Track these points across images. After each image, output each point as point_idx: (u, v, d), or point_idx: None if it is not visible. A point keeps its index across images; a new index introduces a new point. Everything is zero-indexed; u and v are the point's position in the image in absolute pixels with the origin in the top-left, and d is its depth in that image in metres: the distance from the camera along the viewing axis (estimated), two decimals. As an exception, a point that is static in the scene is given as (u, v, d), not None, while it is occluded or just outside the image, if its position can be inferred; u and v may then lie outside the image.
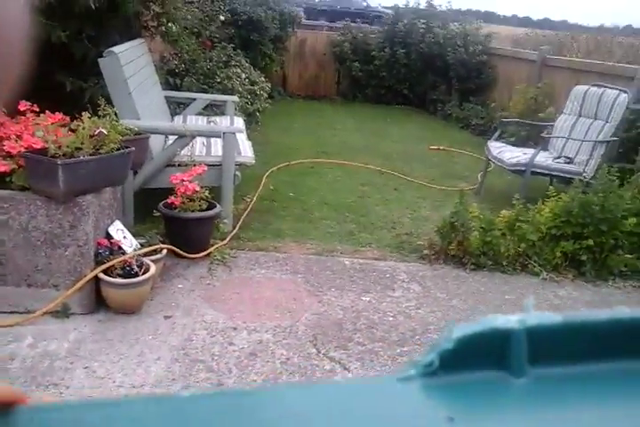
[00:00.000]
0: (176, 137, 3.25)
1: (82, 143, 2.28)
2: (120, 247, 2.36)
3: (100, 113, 2.57)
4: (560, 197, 3.29)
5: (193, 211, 2.86)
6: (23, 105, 2.48)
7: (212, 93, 5.15)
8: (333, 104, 8.56)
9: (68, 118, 2.50)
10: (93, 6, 3.27)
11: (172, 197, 2.86)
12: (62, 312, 2.20)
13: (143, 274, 2.30)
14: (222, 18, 6.45)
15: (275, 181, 4.38)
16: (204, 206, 2.91)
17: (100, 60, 3.08)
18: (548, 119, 5.11)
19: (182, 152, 3.20)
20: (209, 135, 3.67)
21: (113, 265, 2.25)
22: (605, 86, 4.42)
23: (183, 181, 2.87)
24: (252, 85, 6.01)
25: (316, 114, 7.62)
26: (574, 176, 3.80)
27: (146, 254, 2.45)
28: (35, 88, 2.90)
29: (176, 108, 4.64)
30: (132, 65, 3.37)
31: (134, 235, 2.55)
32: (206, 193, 2.92)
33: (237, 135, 3.43)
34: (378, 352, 2.24)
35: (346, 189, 4.43)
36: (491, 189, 4.57)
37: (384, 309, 2.62)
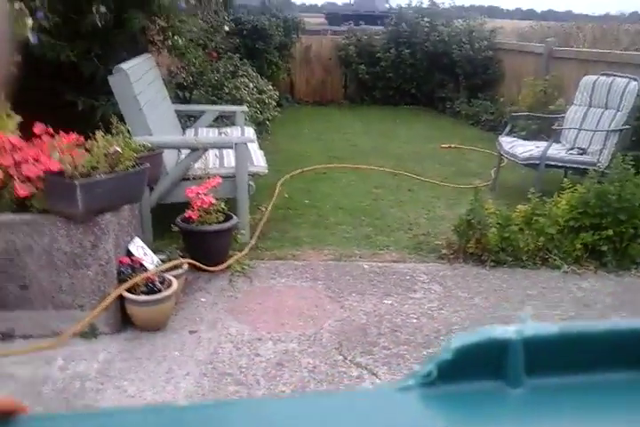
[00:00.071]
0: (189, 151, 3.28)
1: (97, 162, 2.31)
2: (142, 264, 2.39)
3: (112, 131, 2.60)
4: (576, 189, 3.26)
5: (210, 224, 2.89)
6: (38, 128, 2.53)
7: (222, 104, 5.19)
8: (341, 108, 8.58)
9: (82, 138, 2.54)
10: (100, 24, 3.33)
11: (189, 211, 2.88)
12: (90, 333, 2.23)
13: (166, 290, 2.33)
14: (227, 28, 6.50)
15: (289, 188, 4.40)
16: (221, 218, 2.93)
17: (109, 77, 3.13)
18: (559, 111, 5.06)
19: (196, 165, 3.24)
20: (221, 147, 3.71)
21: (136, 283, 2.28)
22: (614, 75, 4.37)
23: (199, 194, 2.89)
24: (260, 94, 6.05)
25: (325, 119, 7.64)
26: (588, 167, 3.76)
27: (167, 270, 2.47)
28: (47, 108, 2.96)
29: (187, 121, 4.69)
30: (141, 81, 3.41)
31: (154, 251, 2.58)
32: (222, 205, 2.94)
33: (249, 145, 3.45)
34: (404, 355, 2.24)
35: (360, 192, 4.43)
36: (505, 185, 4.54)
37: (406, 311, 2.62)
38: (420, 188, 4.60)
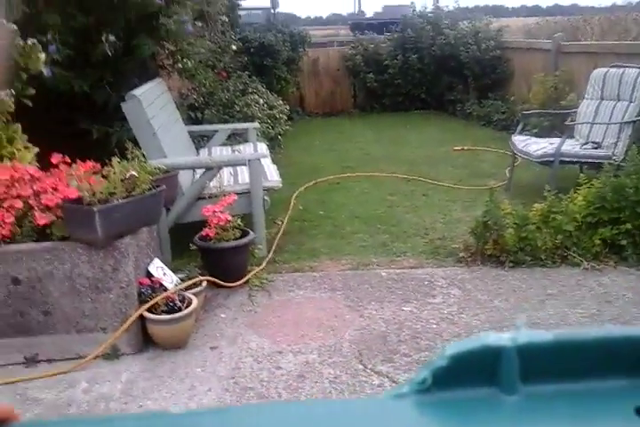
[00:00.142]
0: (203, 170, 3.35)
1: (115, 188, 2.38)
2: (161, 284, 2.44)
3: (128, 156, 2.67)
4: (592, 184, 3.23)
5: (228, 240, 2.94)
6: (56, 158, 2.62)
7: (234, 122, 5.28)
8: (352, 118, 8.62)
9: (98, 165, 2.62)
10: (110, 53, 3.44)
11: (206, 229, 2.94)
12: (112, 354, 2.29)
13: (186, 308, 2.37)
14: (234, 47, 6.61)
15: (303, 200, 4.44)
16: (238, 235, 2.98)
17: (122, 104, 3.22)
18: (571, 106, 5.02)
19: (211, 184, 3.30)
20: (235, 164, 3.77)
21: (156, 303, 2.34)
22: (625, 66, 4.33)
23: (215, 212, 2.95)
24: (270, 110, 6.13)
25: (336, 129, 7.69)
26: (604, 160, 3.72)
27: (187, 288, 2.53)
28: (63, 138, 3.06)
29: (200, 141, 4.78)
30: (153, 105, 3.50)
31: (173, 270, 2.63)
32: (238, 221, 2.99)
33: (262, 161, 3.51)
34: (425, 362, 2.24)
35: (374, 200, 4.45)
36: (520, 184, 4.51)
37: (426, 317, 2.62)
38: (434, 192, 4.59)
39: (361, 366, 2.21)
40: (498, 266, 3.10)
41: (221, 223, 2.93)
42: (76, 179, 2.46)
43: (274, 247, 3.41)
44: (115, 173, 2.46)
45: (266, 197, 3.38)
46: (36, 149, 2.82)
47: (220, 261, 2.98)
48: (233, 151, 4.36)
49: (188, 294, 2.47)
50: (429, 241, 3.54)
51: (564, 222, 3.13)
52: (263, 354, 2.32)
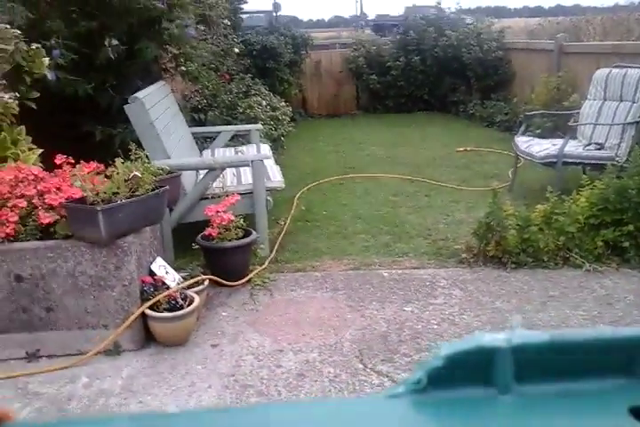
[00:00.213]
0: (206, 171, 3.37)
1: (118, 188, 2.40)
2: (164, 283, 2.46)
3: (131, 157, 2.70)
4: (595, 185, 3.23)
5: (230, 240, 2.95)
6: (59, 158, 2.64)
7: (237, 124, 5.30)
8: (355, 119, 8.64)
9: (102, 166, 2.64)
10: (113, 57, 3.47)
11: (209, 229, 2.95)
12: (114, 350, 2.31)
13: (188, 306, 2.39)
14: (237, 50, 6.65)
15: (306, 201, 4.46)
16: (241, 234, 3.00)
17: (125, 106, 3.24)
18: (574, 107, 5.02)
19: (214, 184, 3.31)
20: (238, 165, 3.78)
21: (158, 300, 2.35)
22: (627, 66, 4.33)
23: (218, 212, 2.96)
24: (273, 111, 6.15)
25: (339, 130, 7.71)
26: (607, 162, 3.72)
27: (189, 287, 2.54)
28: (67, 141, 3.09)
29: (203, 142, 4.80)
30: (156, 107, 3.52)
31: (176, 269, 2.65)
32: (241, 221, 3.01)
33: (265, 162, 3.52)
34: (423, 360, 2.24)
35: (377, 201, 4.46)
36: (523, 185, 4.51)
37: (427, 317, 2.62)
38: (437, 193, 4.60)
39: (361, 366, 2.22)
40: (500, 267, 3.11)
41: (224, 223, 2.94)
42: (79, 179, 2.48)
43: (276, 247, 3.43)
44: (118, 174, 2.48)
45: (269, 198, 3.40)
46: (40, 151, 2.85)
47: (222, 261, 2.99)
48: (236, 152, 4.37)
49: (190, 292, 2.49)
50: (432, 242, 3.54)
51: (567, 224, 3.13)
52: (264, 352, 2.33)
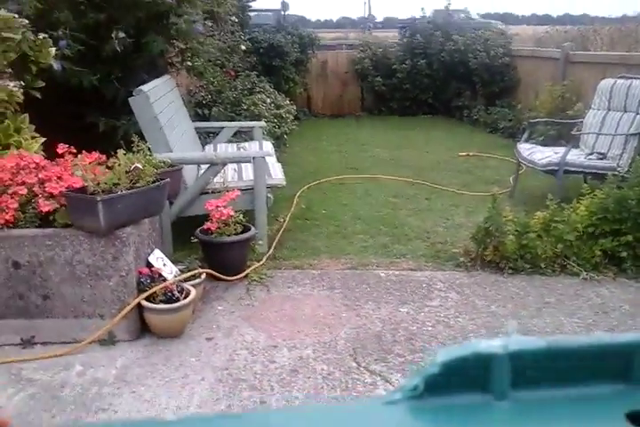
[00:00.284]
0: (208, 165, 3.37)
1: (119, 179, 2.40)
2: (161, 275, 2.46)
3: (134, 149, 2.70)
4: (595, 195, 3.23)
5: (229, 235, 2.95)
6: (61, 148, 2.64)
7: (240, 120, 5.31)
8: (359, 120, 8.65)
9: (104, 157, 2.64)
10: (119, 49, 3.47)
11: (208, 223, 2.96)
12: (108, 340, 2.31)
13: (184, 299, 2.39)
14: (244, 47, 6.66)
15: (306, 199, 4.46)
16: (240, 230, 3.00)
17: (130, 99, 3.24)
18: (578, 116, 5.03)
19: (215, 179, 3.32)
20: (239, 161, 3.79)
21: (155, 292, 2.36)
22: (632, 77, 4.34)
23: (218, 207, 2.97)
24: (277, 109, 6.16)
25: (343, 131, 7.72)
26: (608, 172, 3.72)
27: (186, 280, 2.54)
28: (70, 131, 3.09)
29: (206, 137, 4.81)
30: (160, 101, 3.53)
31: (174, 262, 2.65)
32: (240, 217, 3.01)
33: (267, 159, 3.53)
34: (418, 363, 2.25)
35: (377, 202, 4.46)
36: (524, 192, 4.52)
37: (422, 319, 2.62)
38: (438, 196, 4.60)
39: (354, 364, 2.22)
40: (497, 272, 3.11)
41: (223, 218, 2.95)
42: (80, 169, 2.49)
43: (274, 244, 3.43)
44: (119, 165, 2.48)
45: (269, 195, 3.40)
46: (43, 139, 2.85)
47: (220, 255, 3.00)
48: (238, 148, 4.38)
49: (187, 285, 2.49)
50: (430, 245, 3.55)
51: (566, 232, 3.13)
52: (258, 347, 2.33)
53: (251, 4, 7.86)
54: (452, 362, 0.36)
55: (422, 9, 9.24)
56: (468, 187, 4.81)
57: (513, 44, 7.97)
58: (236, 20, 5.80)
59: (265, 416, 0.39)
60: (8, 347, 2.30)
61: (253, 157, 3.32)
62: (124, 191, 2.36)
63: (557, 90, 5.92)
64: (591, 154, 4.24)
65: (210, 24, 4.68)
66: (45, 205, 2.30)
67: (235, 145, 4.56)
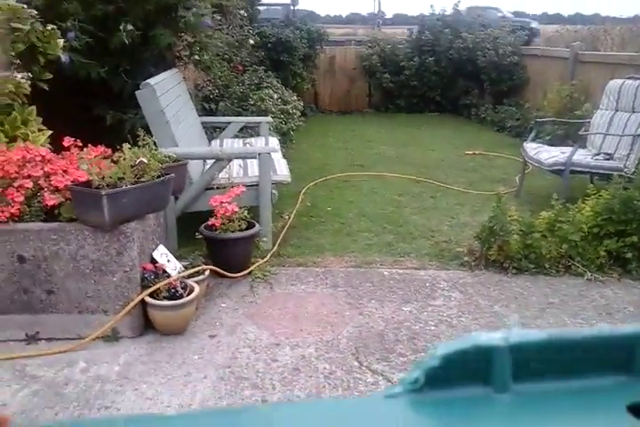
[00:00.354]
0: (213, 161, 3.37)
1: (124, 173, 2.40)
2: (164, 271, 2.46)
3: (139, 143, 2.70)
4: (600, 195, 3.22)
5: (233, 231, 2.95)
6: (67, 141, 2.64)
7: (247, 115, 5.30)
8: (366, 117, 8.63)
9: (109, 151, 2.64)
10: (127, 42, 3.47)
11: (213, 219, 2.95)
12: (112, 336, 2.31)
13: (188, 295, 2.39)
14: (252, 42, 6.64)
15: (311, 196, 4.45)
16: (244, 226, 3.00)
17: (137, 92, 3.24)
18: (586, 116, 5.00)
19: (220, 175, 3.31)
20: (245, 157, 3.78)
21: (158, 288, 2.36)
22: (641, 78, 4.30)
23: (222, 202, 2.96)
24: (284, 105, 6.15)
25: (350, 128, 7.69)
26: (615, 172, 3.70)
27: (190, 276, 2.54)
28: (77, 123, 3.09)
29: (212, 132, 4.80)
30: (167, 95, 3.52)
31: (178, 258, 2.65)
32: (245, 213, 3.01)
33: (272, 155, 3.52)
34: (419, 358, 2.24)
35: (383, 200, 4.45)
36: (530, 191, 4.50)
37: (425, 318, 2.62)
38: (443, 195, 4.59)
39: (356, 363, 2.22)
40: (501, 272, 3.10)
41: (228, 214, 2.94)
42: (86, 162, 2.48)
43: (279, 241, 3.43)
44: (125, 159, 2.48)
45: (274, 191, 3.40)
46: (50, 132, 2.85)
47: (224, 252, 3.00)
48: (244, 144, 4.37)
49: (191, 281, 2.49)
50: (434, 243, 3.54)
51: (570, 232, 3.12)
52: (261, 345, 2.33)
53: (260, -3, 7.83)
54: (453, 355, 0.36)
55: (432, 6, 9.21)
56: (474, 186, 4.79)
57: (533, 44, 7.92)
58: (245, 14, 5.78)
59: (266, 411, 0.39)
60: (13, 342, 2.30)
61: (259, 153, 3.31)
62: (128, 186, 2.36)
63: (566, 89, 5.88)
64: (598, 154, 4.21)
65: (218, 18, 4.67)
66: (51, 199, 2.31)
67: (241, 140, 4.55)
